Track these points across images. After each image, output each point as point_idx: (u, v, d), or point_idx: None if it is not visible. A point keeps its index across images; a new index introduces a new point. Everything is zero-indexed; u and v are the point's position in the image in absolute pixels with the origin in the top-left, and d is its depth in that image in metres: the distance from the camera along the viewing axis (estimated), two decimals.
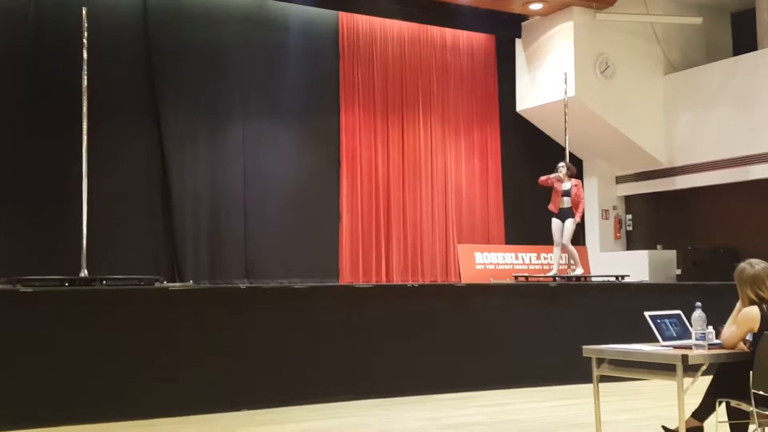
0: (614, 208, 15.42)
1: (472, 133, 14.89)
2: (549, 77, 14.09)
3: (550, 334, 9.92)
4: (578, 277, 11.57)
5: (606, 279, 11.68)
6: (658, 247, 14.73)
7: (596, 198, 15.24)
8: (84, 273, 8.39)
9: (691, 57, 14.79)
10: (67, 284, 8.10)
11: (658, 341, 5.53)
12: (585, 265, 13.62)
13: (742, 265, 5.27)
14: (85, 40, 8.92)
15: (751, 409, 4.96)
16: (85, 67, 8.86)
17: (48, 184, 11.06)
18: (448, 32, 14.71)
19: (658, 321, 5.60)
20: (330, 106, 13.57)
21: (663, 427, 5.64)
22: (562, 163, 11.55)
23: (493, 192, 14.97)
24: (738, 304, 5.29)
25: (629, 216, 15.45)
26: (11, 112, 11.10)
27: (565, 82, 12.59)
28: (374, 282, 13.12)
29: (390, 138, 14.05)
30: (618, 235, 15.33)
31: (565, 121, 12.23)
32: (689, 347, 5.20)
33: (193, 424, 7.46)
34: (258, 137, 12.85)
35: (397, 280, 13.57)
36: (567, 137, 12.25)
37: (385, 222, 13.85)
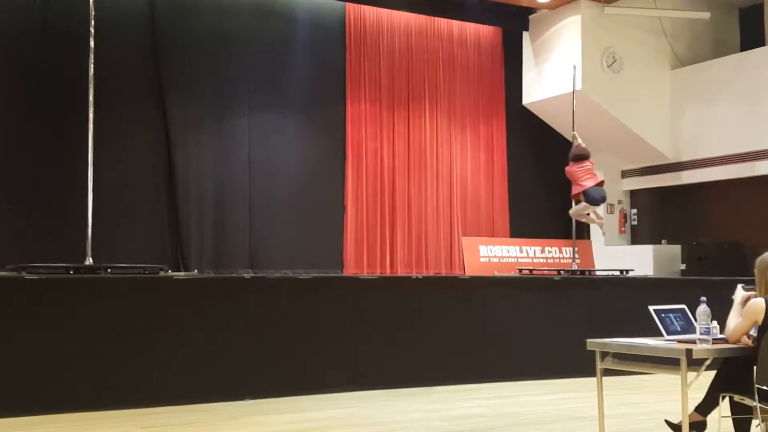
0: (619, 202, 15.38)
1: (478, 125, 14.86)
2: (556, 70, 14.06)
3: (554, 328, 9.92)
4: (582, 271, 11.57)
5: (610, 273, 11.68)
6: (663, 241, 14.70)
7: None
8: (89, 261, 8.41)
9: (699, 52, 14.74)
10: (72, 272, 8.12)
11: (662, 335, 5.53)
12: (589, 259, 13.62)
13: (765, 254, 5.26)
14: (92, 29, 8.92)
15: (755, 404, 4.97)
16: (91, 56, 8.86)
17: (54, 172, 11.08)
18: (455, 24, 14.68)
19: (663, 315, 5.61)
20: (336, 97, 13.55)
21: (666, 421, 5.65)
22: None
23: (498, 185, 14.95)
24: (735, 305, 5.30)
25: (634, 210, 15.42)
26: (18, 100, 11.12)
27: (574, 74, 12.55)
28: (378, 273, 13.12)
29: (396, 130, 14.03)
30: (623, 229, 15.31)
31: (573, 113, 12.20)
32: (693, 342, 5.21)
33: (197, 413, 7.48)
34: (264, 127, 12.84)
35: (401, 272, 13.57)
36: (575, 130, 12.19)
37: (390, 214, 13.84)
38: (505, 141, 15.07)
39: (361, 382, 8.78)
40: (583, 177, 11.26)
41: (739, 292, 5.34)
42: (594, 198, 11.26)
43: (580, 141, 11.75)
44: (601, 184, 11.33)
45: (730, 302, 5.38)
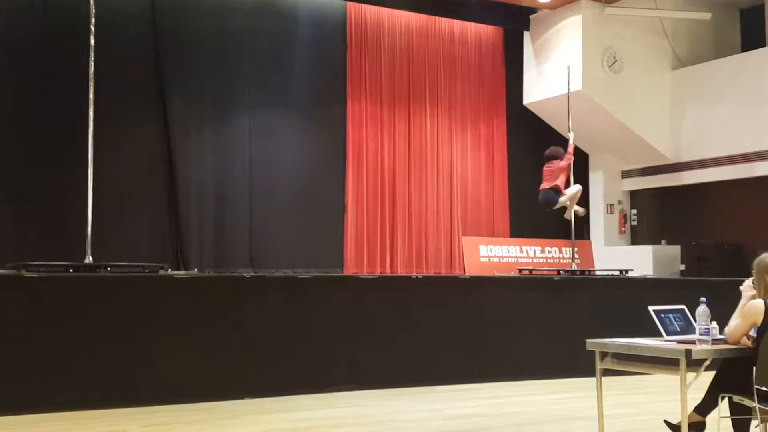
0: (619, 202, 15.40)
1: (479, 125, 14.87)
2: (556, 71, 14.05)
3: (554, 328, 9.92)
4: (582, 271, 11.58)
5: (610, 273, 11.69)
6: (663, 242, 14.71)
7: (601, 192, 15.22)
8: (89, 259, 8.40)
9: (699, 52, 14.75)
10: (71, 270, 8.12)
11: (661, 336, 5.53)
12: (589, 259, 13.63)
13: (763, 255, 5.27)
14: (92, 27, 8.91)
15: (754, 404, 4.97)
16: (92, 54, 8.86)
17: (54, 171, 11.08)
18: (456, 24, 14.69)
19: (662, 315, 5.61)
20: (337, 96, 13.56)
21: (665, 421, 5.65)
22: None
23: (498, 185, 14.96)
24: (741, 302, 5.30)
25: (634, 211, 15.43)
26: (18, 98, 11.12)
27: (568, 75, 12.56)
28: (378, 273, 13.13)
29: (396, 129, 14.04)
30: (623, 229, 15.32)
31: (569, 113, 12.20)
32: (693, 342, 5.21)
33: (197, 412, 7.48)
34: (264, 127, 12.84)
35: (401, 272, 13.58)
36: (571, 130, 12.18)
37: (391, 213, 13.85)
38: (506, 141, 15.08)
39: (361, 381, 8.78)
40: (546, 177, 11.39)
41: (748, 287, 5.32)
42: (539, 200, 11.42)
43: (571, 142, 11.79)
44: (554, 188, 11.27)
45: (732, 300, 5.38)
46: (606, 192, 15.28)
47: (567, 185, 11.52)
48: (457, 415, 7.48)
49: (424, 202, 14.15)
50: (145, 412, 7.40)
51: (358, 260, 13.42)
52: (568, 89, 12.43)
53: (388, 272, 13.47)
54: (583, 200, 14.38)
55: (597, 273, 11.95)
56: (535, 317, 9.97)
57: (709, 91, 13.96)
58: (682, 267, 13.87)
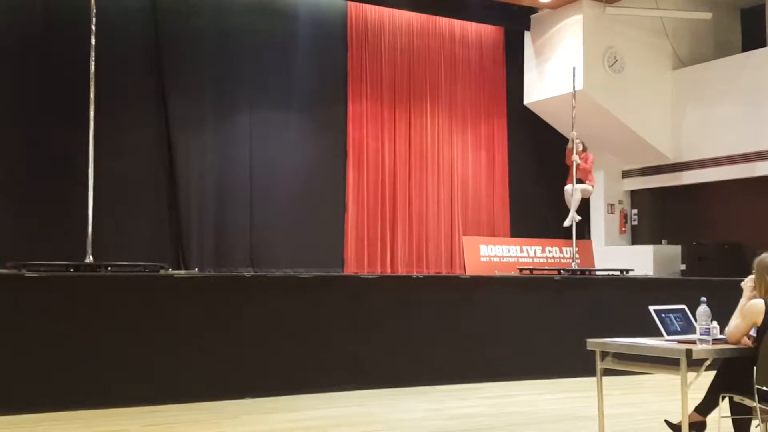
0: (620, 202, 15.39)
1: (479, 125, 14.86)
2: (557, 70, 14.06)
3: (554, 327, 9.92)
4: (583, 271, 11.58)
5: (610, 273, 11.68)
6: (663, 242, 14.70)
7: (602, 192, 15.20)
8: (89, 259, 8.40)
9: (700, 52, 14.74)
10: (72, 270, 8.12)
11: (662, 335, 5.53)
12: (590, 259, 13.62)
13: (763, 255, 5.27)
14: (93, 26, 8.91)
15: (755, 404, 4.97)
16: (92, 54, 8.85)
17: (54, 170, 11.06)
18: (457, 24, 14.68)
19: (663, 315, 5.61)
20: (337, 96, 13.54)
21: (666, 421, 5.65)
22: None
23: (499, 185, 14.95)
24: (742, 299, 5.31)
25: (635, 210, 15.42)
26: (19, 98, 11.10)
27: (573, 76, 12.56)
28: (379, 272, 13.12)
29: (397, 129, 14.03)
30: (623, 229, 15.31)
31: (573, 115, 12.20)
32: (693, 342, 5.21)
33: (197, 412, 7.48)
34: (265, 126, 12.83)
35: (401, 271, 13.57)
36: (573, 130, 12.19)
37: (391, 213, 13.84)
38: (506, 140, 15.07)
39: (362, 380, 8.79)
40: None
41: (749, 287, 5.32)
42: None
43: (569, 146, 11.96)
44: None
45: (733, 300, 5.38)
46: (606, 192, 15.27)
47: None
48: (458, 415, 7.48)
49: (425, 201, 14.15)
50: (145, 412, 7.41)
51: (359, 260, 13.41)
52: (574, 90, 12.39)
53: (388, 272, 13.46)
54: (584, 200, 14.41)
55: (597, 273, 11.95)
56: (536, 317, 9.98)
57: (710, 91, 13.96)
58: (683, 267, 13.86)
